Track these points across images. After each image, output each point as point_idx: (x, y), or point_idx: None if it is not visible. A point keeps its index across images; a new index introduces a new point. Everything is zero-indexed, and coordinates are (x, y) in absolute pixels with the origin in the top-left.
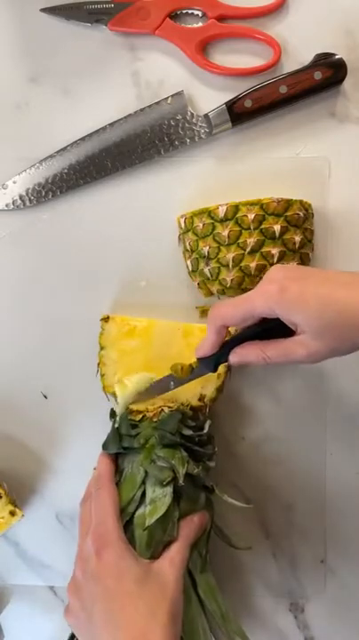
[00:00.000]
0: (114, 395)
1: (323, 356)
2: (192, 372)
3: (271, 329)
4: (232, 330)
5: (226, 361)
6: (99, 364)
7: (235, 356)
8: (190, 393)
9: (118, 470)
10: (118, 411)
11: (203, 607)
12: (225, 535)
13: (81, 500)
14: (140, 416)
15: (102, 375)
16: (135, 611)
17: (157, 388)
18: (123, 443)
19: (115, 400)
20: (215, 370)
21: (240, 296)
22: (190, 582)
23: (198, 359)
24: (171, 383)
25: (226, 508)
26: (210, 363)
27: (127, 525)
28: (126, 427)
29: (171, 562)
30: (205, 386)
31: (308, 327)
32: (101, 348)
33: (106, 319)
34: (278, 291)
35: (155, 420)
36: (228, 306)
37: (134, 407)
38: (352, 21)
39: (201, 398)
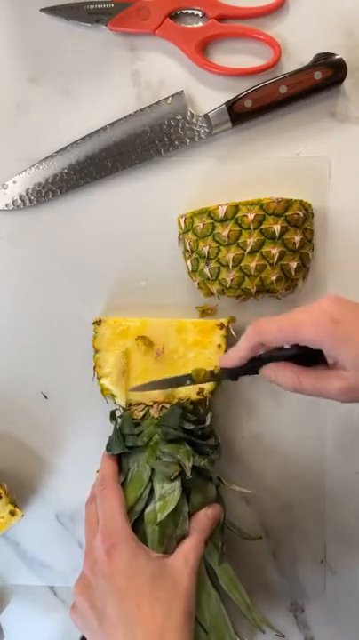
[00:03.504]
0: (112, 397)
1: (357, 397)
2: (212, 378)
3: (302, 355)
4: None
5: (249, 373)
6: (95, 368)
7: (269, 372)
8: (189, 387)
9: (122, 471)
10: (119, 401)
11: (222, 600)
12: (236, 527)
13: (85, 502)
14: (142, 413)
15: (99, 378)
16: (151, 610)
17: (173, 381)
18: (126, 442)
19: (114, 401)
20: (236, 379)
21: (287, 317)
22: (208, 576)
23: (222, 368)
24: (187, 382)
25: (226, 508)
26: (232, 372)
27: (137, 524)
28: (129, 426)
29: (186, 558)
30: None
31: (353, 365)
32: (96, 352)
33: (98, 322)
34: (330, 322)
35: (156, 416)
36: (273, 325)
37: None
38: (352, 21)
39: (200, 392)
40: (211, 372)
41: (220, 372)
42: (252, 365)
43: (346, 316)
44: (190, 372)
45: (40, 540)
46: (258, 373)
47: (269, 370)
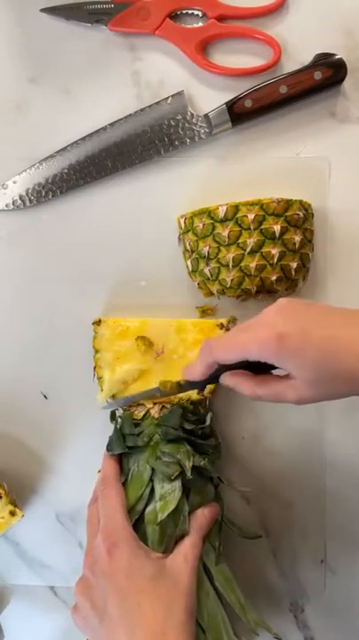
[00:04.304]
0: (114, 399)
1: (312, 402)
2: (179, 389)
3: (258, 364)
4: None
5: (214, 382)
6: (95, 369)
7: (228, 381)
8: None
9: (123, 471)
10: (101, 397)
11: (221, 599)
12: (236, 526)
13: (88, 502)
14: (142, 413)
15: (99, 379)
16: (152, 608)
17: (145, 395)
18: (127, 442)
19: (109, 398)
20: (203, 390)
21: (234, 337)
22: (206, 575)
23: (185, 380)
24: (157, 394)
25: (226, 508)
26: (198, 384)
27: (137, 523)
28: (129, 426)
29: (185, 557)
30: None
31: (302, 377)
32: (96, 352)
33: (98, 322)
34: (275, 339)
35: (157, 416)
36: (222, 345)
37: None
38: (352, 21)
39: (200, 391)
40: (178, 383)
41: (185, 384)
42: (216, 375)
43: (291, 328)
44: (158, 384)
45: (40, 540)
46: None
47: (227, 379)
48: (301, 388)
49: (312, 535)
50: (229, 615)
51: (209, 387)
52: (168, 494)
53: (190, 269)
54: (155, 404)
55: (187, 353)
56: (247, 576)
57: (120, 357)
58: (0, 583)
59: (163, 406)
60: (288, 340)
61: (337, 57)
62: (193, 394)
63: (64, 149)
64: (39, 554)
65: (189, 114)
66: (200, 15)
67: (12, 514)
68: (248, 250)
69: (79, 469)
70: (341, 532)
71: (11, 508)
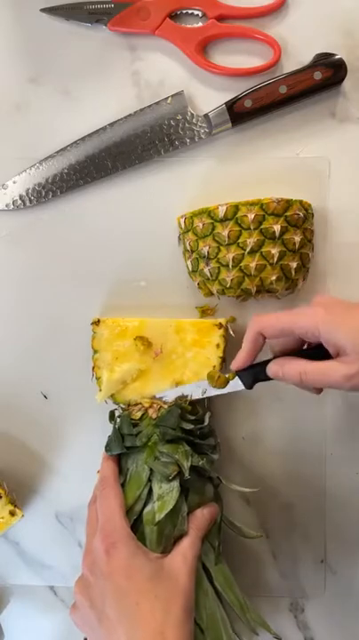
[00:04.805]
0: (112, 398)
1: None
2: (227, 384)
3: (309, 356)
4: None
5: (261, 378)
6: (93, 369)
7: (275, 367)
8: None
9: (122, 471)
10: (99, 397)
11: (220, 599)
12: (235, 526)
13: (88, 502)
14: (140, 414)
15: (98, 379)
16: (150, 608)
17: (193, 390)
18: (125, 443)
19: (107, 398)
20: (251, 387)
21: (284, 311)
22: (205, 575)
23: (236, 373)
24: (206, 390)
25: (226, 508)
26: (247, 377)
27: (136, 524)
28: (127, 426)
29: (184, 557)
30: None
31: (352, 347)
32: (95, 352)
33: (96, 322)
34: (324, 311)
35: (154, 417)
36: (269, 315)
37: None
38: (352, 21)
39: None
40: (226, 377)
41: (234, 379)
42: (262, 369)
43: (338, 307)
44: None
45: (40, 539)
46: (269, 378)
47: (276, 365)
48: (352, 361)
49: (312, 535)
50: (229, 615)
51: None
52: (166, 494)
53: (190, 269)
54: (153, 403)
55: (185, 353)
56: (247, 576)
57: (119, 357)
58: (0, 583)
59: (161, 406)
60: (335, 311)
61: (337, 57)
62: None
63: (64, 149)
64: (39, 553)
65: (189, 114)
66: (200, 15)
67: (12, 514)
68: (248, 250)
69: (79, 469)
70: (341, 532)
71: (11, 507)
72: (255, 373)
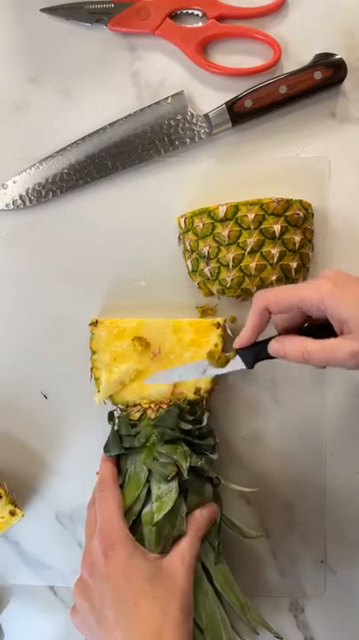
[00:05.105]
0: (111, 399)
1: None
2: (227, 363)
3: (310, 333)
4: None
5: (262, 356)
6: (92, 369)
7: (278, 346)
8: (185, 387)
9: (121, 472)
10: (98, 398)
11: (220, 599)
12: (235, 526)
13: (87, 504)
14: (139, 415)
15: (96, 380)
16: (149, 609)
17: (192, 369)
18: (123, 443)
19: (106, 398)
20: (252, 366)
21: (290, 285)
22: (205, 575)
23: (237, 351)
24: (206, 369)
25: (225, 508)
26: (248, 356)
27: (134, 525)
28: (126, 427)
29: (182, 558)
30: (199, 378)
31: (355, 321)
32: (93, 353)
33: (94, 323)
34: (331, 285)
35: (153, 417)
36: (275, 290)
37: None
38: (352, 21)
39: (196, 391)
40: (227, 356)
41: (235, 357)
42: (264, 347)
43: (346, 281)
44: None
45: (40, 539)
46: (270, 357)
47: (278, 342)
48: (356, 336)
49: (312, 535)
50: (229, 615)
51: (205, 387)
52: (164, 495)
53: (190, 269)
54: (151, 403)
55: (183, 353)
56: (247, 576)
57: (117, 358)
58: (0, 583)
59: (159, 407)
60: (343, 285)
61: (337, 57)
62: (189, 393)
63: (64, 149)
64: (39, 553)
65: (189, 114)
66: (200, 15)
67: (12, 514)
68: (248, 250)
69: (79, 469)
70: (341, 532)
71: (11, 507)
72: (256, 352)
